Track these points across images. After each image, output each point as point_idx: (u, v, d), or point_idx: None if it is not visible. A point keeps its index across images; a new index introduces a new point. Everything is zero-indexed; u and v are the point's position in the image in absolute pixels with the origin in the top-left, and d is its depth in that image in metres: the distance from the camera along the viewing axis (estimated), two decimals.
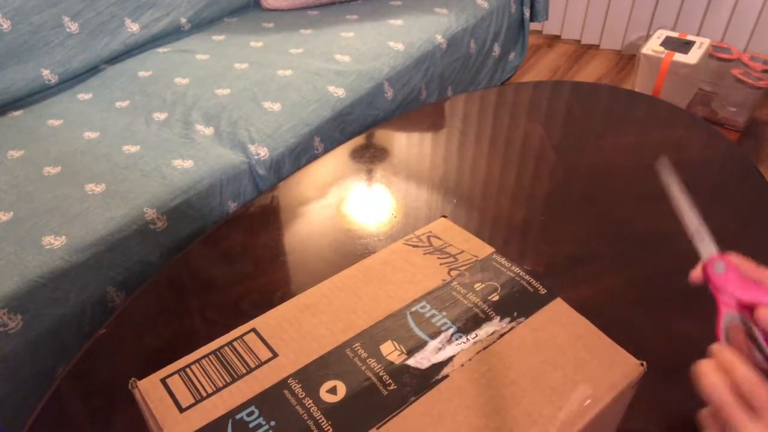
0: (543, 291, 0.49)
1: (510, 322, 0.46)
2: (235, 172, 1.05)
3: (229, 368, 0.44)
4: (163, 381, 0.43)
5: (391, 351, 0.44)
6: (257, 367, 0.44)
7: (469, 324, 0.46)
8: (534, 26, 2.43)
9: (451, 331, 0.46)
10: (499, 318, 0.47)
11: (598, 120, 1.07)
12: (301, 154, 1.14)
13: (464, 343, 0.45)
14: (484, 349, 0.44)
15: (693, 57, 1.78)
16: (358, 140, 1.03)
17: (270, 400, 0.41)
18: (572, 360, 0.44)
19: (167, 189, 0.98)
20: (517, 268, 0.51)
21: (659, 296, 0.71)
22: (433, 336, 0.45)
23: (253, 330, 0.47)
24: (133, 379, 0.43)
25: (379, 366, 0.43)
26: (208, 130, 1.12)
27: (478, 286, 0.50)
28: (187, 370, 0.44)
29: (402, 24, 1.44)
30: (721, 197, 0.87)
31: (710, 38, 1.92)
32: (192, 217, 0.99)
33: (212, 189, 1.02)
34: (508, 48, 1.74)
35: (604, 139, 1.01)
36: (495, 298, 0.48)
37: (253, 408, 0.41)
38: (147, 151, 1.06)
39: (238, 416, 0.40)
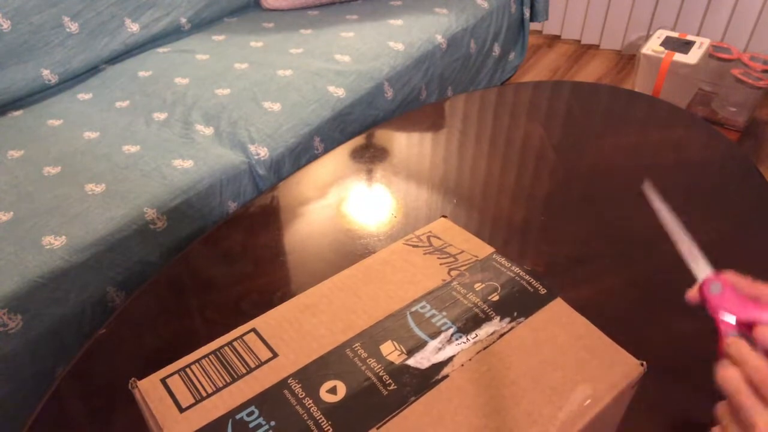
0: (543, 291, 0.49)
1: (510, 322, 0.46)
2: (235, 172, 1.05)
3: (229, 368, 0.44)
4: (163, 381, 0.43)
5: (391, 351, 0.44)
6: (257, 367, 0.44)
7: (469, 324, 0.46)
8: (534, 26, 2.43)
9: (451, 331, 0.46)
10: (499, 318, 0.47)
11: (598, 120, 1.07)
12: (301, 154, 1.14)
13: (464, 343, 0.45)
14: (484, 349, 0.44)
15: (693, 57, 1.78)
16: (358, 140, 1.03)
17: (270, 400, 0.41)
18: (572, 360, 0.44)
19: (167, 189, 0.98)
20: (517, 268, 0.51)
21: (659, 296, 0.71)
22: (433, 336, 0.45)
23: (253, 330, 0.47)
24: (133, 379, 0.43)
25: (379, 366, 0.43)
26: (208, 130, 1.12)
27: (478, 286, 0.50)
28: (187, 370, 0.44)
29: (402, 24, 1.44)
30: (721, 197, 0.87)
31: (710, 38, 1.92)
32: (192, 217, 0.99)
33: (212, 189, 1.02)
34: (508, 48, 1.74)
35: (604, 139, 1.01)
36: (495, 298, 0.48)
37: (253, 408, 0.41)
38: (147, 151, 1.06)
39: (238, 416, 0.40)
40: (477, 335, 0.45)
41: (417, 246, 0.54)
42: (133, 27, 1.39)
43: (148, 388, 0.42)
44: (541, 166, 0.95)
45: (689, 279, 0.47)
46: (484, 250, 0.54)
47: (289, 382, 0.42)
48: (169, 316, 0.72)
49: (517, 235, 0.82)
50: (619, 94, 1.16)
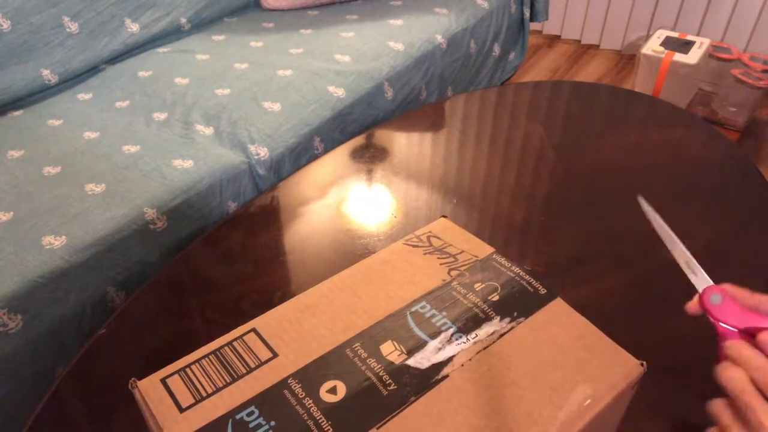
0: (543, 291, 0.49)
1: (510, 322, 0.46)
2: (235, 172, 1.05)
3: (229, 368, 0.44)
4: (163, 381, 0.43)
5: (391, 351, 0.44)
6: (257, 367, 0.44)
7: (469, 324, 0.46)
8: (534, 26, 2.43)
9: (451, 331, 0.46)
10: (499, 318, 0.47)
11: (598, 120, 1.07)
12: (301, 154, 1.14)
13: (464, 343, 0.45)
14: (484, 349, 0.44)
15: (693, 57, 1.78)
16: (358, 140, 1.03)
17: (270, 400, 0.41)
18: (572, 360, 0.44)
19: (167, 189, 0.98)
20: (517, 268, 0.51)
21: (659, 296, 0.71)
22: (433, 336, 0.45)
23: (253, 330, 0.47)
24: (133, 379, 0.43)
25: (379, 366, 0.43)
26: (208, 130, 1.12)
27: (478, 286, 0.50)
28: (187, 370, 0.44)
29: (402, 24, 1.44)
30: (721, 197, 0.87)
31: (710, 38, 1.92)
32: (192, 217, 0.99)
33: (212, 189, 1.02)
34: (508, 48, 1.74)
35: (604, 139, 1.01)
36: (495, 298, 0.48)
37: (253, 408, 0.41)
38: (147, 151, 1.06)
39: (238, 416, 0.40)
40: (477, 335, 0.45)
41: (417, 246, 0.54)
42: (133, 27, 1.39)
43: (148, 388, 0.42)
44: (541, 166, 0.95)
45: (689, 280, 0.47)
46: (484, 250, 0.54)
47: (289, 382, 0.42)
48: (169, 316, 0.72)
49: (517, 235, 0.82)
50: (619, 94, 1.16)
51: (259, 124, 1.11)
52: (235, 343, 0.46)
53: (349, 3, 1.61)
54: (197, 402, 0.41)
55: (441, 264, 0.52)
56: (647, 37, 2.10)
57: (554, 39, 2.42)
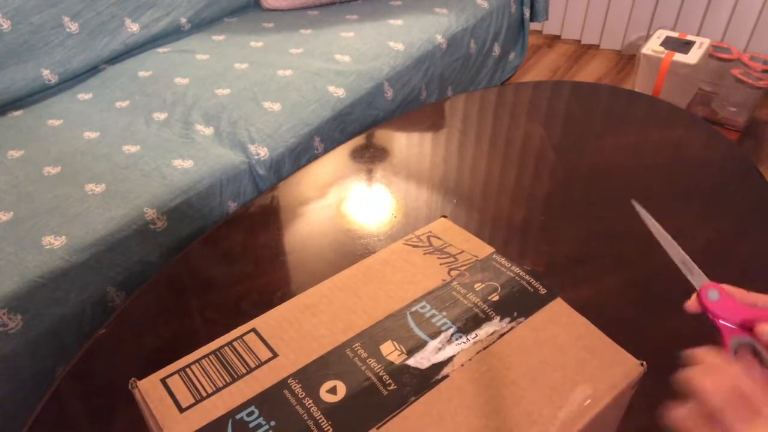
0: (543, 291, 0.49)
1: (510, 322, 0.46)
2: (235, 172, 1.05)
3: (229, 368, 0.44)
4: (163, 381, 0.43)
5: (391, 351, 0.44)
6: (257, 367, 0.44)
7: (469, 324, 0.46)
8: (534, 26, 2.43)
9: (451, 331, 0.46)
10: (499, 318, 0.47)
11: (598, 120, 1.07)
12: (301, 154, 1.14)
13: (464, 343, 0.45)
14: (484, 349, 0.44)
15: (693, 57, 1.77)
16: (358, 140, 1.03)
17: (270, 400, 0.41)
18: (572, 360, 0.44)
19: (167, 189, 0.98)
20: (517, 268, 0.51)
21: (659, 296, 0.71)
22: (433, 336, 0.45)
23: (253, 330, 0.47)
24: (133, 379, 0.43)
25: (379, 366, 0.43)
26: (208, 130, 1.12)
27: (478, 286, 0.49)
28: (187, 370, 0.44)
29: (402, 24, 1.44)
30: (721, 197, 0.87)
31: (710, 38, 1.92)
32: (192, 217, 0.99)
33: (212, 189, 1.02)
34: (508, 48, 1.74)
35: (604, 139, 1.01)
36: (495, 298, 0.48)
37: (253, 408, 0.41)
38: (147, 151, 1.06)
39: (238, 416, 0.40)
40: (477, 335, 0.45)
41: (417, 246, 0.54)
42: (133, 27, 1.39)
43: (148, 388, 0.42)
44: (541, 166, 0.95)
45: (688, 280, 0.47)
46: (484, 250, 0.54)
47: (289, 382, 0.42)
48: (169, 316, 0.72)
49: (517, 235, 0.82)
50: (619, 94, 1.16)
51: (259, 124, 1.11)
52: (235, 343, 0.46)
53: (349, 3, 1.61)
54: (197, 402, 0.41)
55: (441, 264, 0.52)
56: (647, 37, 2.10)
57: (554, 39, 2.41)
